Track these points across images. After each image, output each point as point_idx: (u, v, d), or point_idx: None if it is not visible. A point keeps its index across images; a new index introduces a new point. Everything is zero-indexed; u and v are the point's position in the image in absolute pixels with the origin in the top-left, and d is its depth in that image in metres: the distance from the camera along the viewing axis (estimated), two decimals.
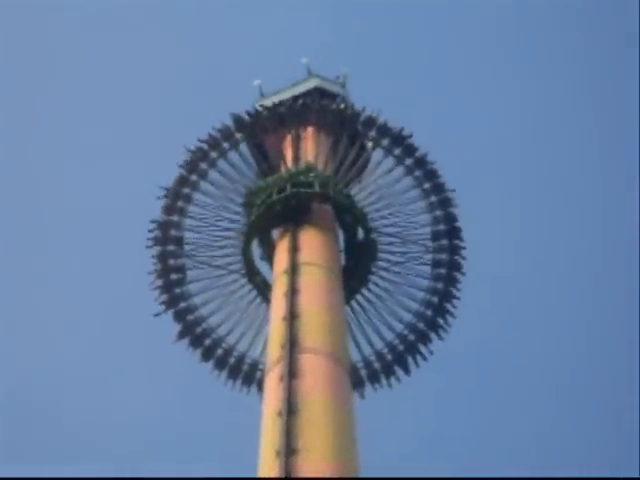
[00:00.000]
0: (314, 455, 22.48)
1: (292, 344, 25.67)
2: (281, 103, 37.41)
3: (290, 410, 23.29)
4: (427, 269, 35.59)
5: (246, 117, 36.26)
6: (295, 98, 38.20)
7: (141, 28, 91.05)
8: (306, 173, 32.96)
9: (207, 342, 36.11)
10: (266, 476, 22.26)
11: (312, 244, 30.75)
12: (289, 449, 22.11)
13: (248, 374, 36.33)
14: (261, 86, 39.95)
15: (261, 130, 36.66)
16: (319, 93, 39.08)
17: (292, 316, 26.90)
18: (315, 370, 25.15)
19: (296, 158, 35.20)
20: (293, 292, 28.03)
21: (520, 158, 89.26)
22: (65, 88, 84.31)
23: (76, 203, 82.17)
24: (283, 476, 21.40)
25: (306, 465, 22.05)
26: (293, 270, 29.16)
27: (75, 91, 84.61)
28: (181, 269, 36.00)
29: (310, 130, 36.82)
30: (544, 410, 77.89)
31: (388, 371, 36.00)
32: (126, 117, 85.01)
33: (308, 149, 35.51)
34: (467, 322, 39.20)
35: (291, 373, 24.61)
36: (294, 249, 30.61)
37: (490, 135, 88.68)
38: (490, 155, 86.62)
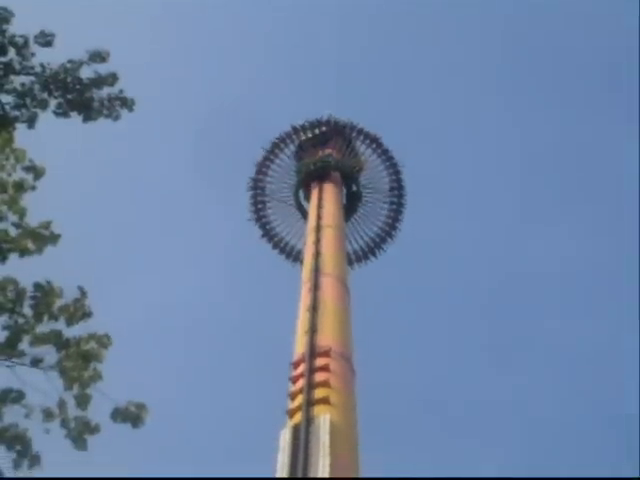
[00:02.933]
0: (327, 333, 36.59)
1: (316, 270, 43.47)
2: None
3: (314, 307, 38.68)
4: (386, 205, 70.40)
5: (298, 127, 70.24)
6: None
7: None
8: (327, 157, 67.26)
9: (275, 239, 71.12)
10: (300, 344, 35.82)
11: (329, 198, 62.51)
12: (313, 329, 36.34)
13: (296, 256, 71.06)
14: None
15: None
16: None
17: (317, 254, 47.72)
18: (328, 286, 42.07)
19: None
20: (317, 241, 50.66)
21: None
22: None
23: None
24: (309, 344, 34.51)
25: (322, 339, 35.66)
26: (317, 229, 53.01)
27: None
28: (263, 202, 70.97)
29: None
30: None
31: (366, 256, 70.93)
32: None
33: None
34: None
35: (315, 287, 41.33)
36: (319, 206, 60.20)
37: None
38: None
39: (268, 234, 71.00)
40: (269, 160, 70.47)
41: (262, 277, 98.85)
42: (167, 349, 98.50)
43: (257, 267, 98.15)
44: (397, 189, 69.89)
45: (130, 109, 19.35)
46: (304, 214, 67.04)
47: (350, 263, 68.63)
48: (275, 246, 71.24)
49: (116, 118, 19.22)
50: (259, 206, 70.62)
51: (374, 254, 70.90)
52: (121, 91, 19.24)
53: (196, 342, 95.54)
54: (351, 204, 67.84)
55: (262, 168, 70.45)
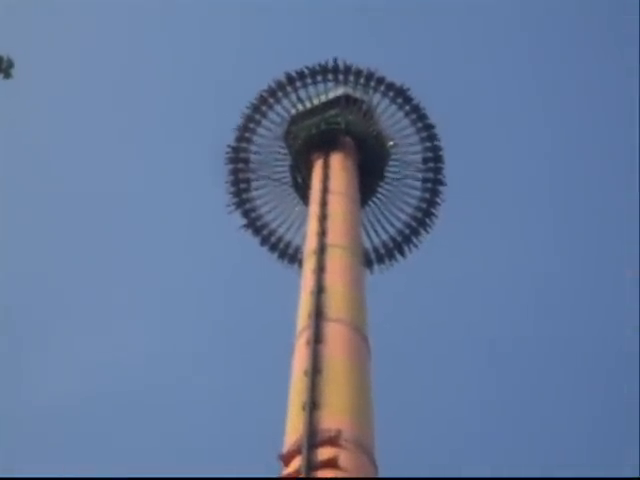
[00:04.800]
0: (334, 409, 25.16)
1: (318, 315, 29.87)
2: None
3: (315, 368, 26.57)
4: (418, 184, 50.76)
5: (294, 74, 50.73)
6: (327, 102, 48.73)
7: None
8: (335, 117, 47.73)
9: (264, 232, 51.65)
10: (293, 427, 24.93)
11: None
12: (313, 404, 25.00)
13: (292, 256, 51.67)
14: None
15: None
16: (346, 99, 49.09)
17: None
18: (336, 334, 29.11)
19: None
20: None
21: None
22: None
23: None
24: (308, 428, 23.93)
25: (327, 418, 24.67)
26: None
27: None
28: (247, 181, 51.41)
29: None
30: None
31: (390, 255, 51.36)
32: None
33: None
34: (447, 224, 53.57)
35: (316, 339, 28.33)
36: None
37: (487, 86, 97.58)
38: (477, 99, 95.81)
39: (254, 224, 51.44)
40: (255, 122, 50.90)
41: (244, 286, 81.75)
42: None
43: (237, 271, 80.00)
44: (433, 160, 50.16)
45: (7, 74, 16.67)
46: (303, 196, 47.71)
47: (369, 265, 49.39)
48: (264, 241, 51.76)
49: None
50: (242, 186, 51.05)
51: (401, 252, 51.28)
52: None
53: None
54: (368, 182, 48.33)
55: (245, 133, 50.88)
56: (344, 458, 23.36)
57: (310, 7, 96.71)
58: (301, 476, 22.72)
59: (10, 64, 17.39)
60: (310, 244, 36.43)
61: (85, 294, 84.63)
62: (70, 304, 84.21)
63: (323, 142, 46.24)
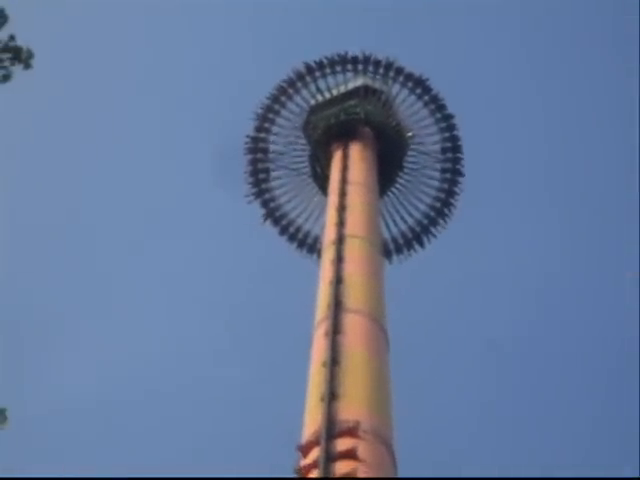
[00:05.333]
0: (353, 400, 24.98)
1: (337, 305, 29.72)
2: None
3: (334, 359, 26.34)
4: (437, 174, 50.75)
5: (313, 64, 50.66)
6: (346, 93, 48.72)
7: None
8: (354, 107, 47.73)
9: (283, 222, 51.79)
10: (312, 418, 24.70)
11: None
12: (332, 394, 24.83)
13: (311, 246, 51.78)
14: None
15: None
16: (365, 89, 49.18)
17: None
18: (356, 325, 28.84)
19: None
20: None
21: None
22: None
23: None
24: (326, 419, 23.73)
25: (345, 409, 24.46)
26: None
27: None
28: (266, 171, 51.52)
29: None
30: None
31: (408, 245, 51.39)
32: None
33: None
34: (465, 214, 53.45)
35: (335, 330, 28.10)
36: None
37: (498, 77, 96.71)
38: (492, 91, 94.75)
39: (273, 214, 51.55)
40: (274, 113, 50.97)
41: (266, 275, 79.85)
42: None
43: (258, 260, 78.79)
44: (452, 150, 50.14)
45: (27, 65, 16.76)
46: (322, 186, 47.74)
47: (388, 255, 49.51)
48: (283, 231, 51.90)
49: (5, 78, 16.62)
50: (260, 176, 51.13)
51: (420, 242, 51.29)
52: (12, 37, 16.73)
53: None
54: (387, 172, 48.24)
55: (264, 123, 50.94)
56: (363, 449, 23.29)
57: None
58: (315, 470, 22.52)
59: (30, 55, 17.45)
60: (329, 234, 36.48)
61: (96, 291, 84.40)
62: (80, 301, 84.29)
63: (342, 132, 46.28)
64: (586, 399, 78.65)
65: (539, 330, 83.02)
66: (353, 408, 24.54)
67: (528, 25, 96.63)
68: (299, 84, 50.17)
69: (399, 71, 50.23)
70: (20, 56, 17.22)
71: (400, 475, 25.51)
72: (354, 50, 50.46)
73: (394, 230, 51.11)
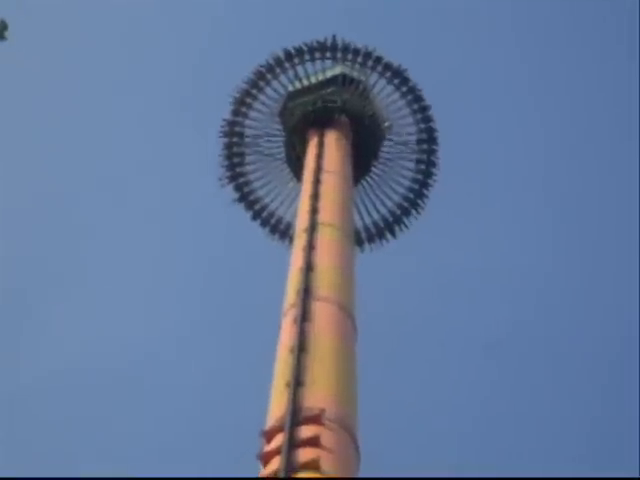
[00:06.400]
0: (319, 388, 24.77)
1: (306, 291, 29.37)
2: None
3: (301, 348, 25.91)
4: (411, 165, 50.95)
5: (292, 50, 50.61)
6: (324, 81, 48.73)
7: None
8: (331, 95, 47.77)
9: (256, 207, 51.82)
10: (277, 404, 24.45)
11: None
12: (298, 381, 24.54)
13: (283, 232, 51.84)
14: None
15: None
16: (343, 77, 49.11)
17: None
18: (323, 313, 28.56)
19: None
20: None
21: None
22: None
23: None
24: (291, 405, 23.42)
25: (311, 396, 24.25)
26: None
27: None
28: (241, 155, 51.49)
29: None
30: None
31: (380, 234, 51.59)
32: None
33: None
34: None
35: (303, 316, 27.75)
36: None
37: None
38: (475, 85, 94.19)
39: (246, 199, 51.57)
40: (251, 97, 50.89)
41: (233, 263, 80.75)
42: None
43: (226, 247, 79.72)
44: (427, 142, 50.33)
45: (1, 36, 16.67)
46: (297, 173, 47.76)
47: (360, 243, 49.71)
48: (256, 216, 51.93)
49: None
50: (235, 160, 51.08)
51: (392, 232, 51.52)
52: None
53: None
54: (362, 161, 48.34)
55: (241, 108, 50.85)
56: (326, 437, 23.11)
57: None
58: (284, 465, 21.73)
59: (4, 26, 17.45)
60: (301, 222, 36.43)
61: (68, 278, 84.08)
62: (52, 287, 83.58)
63: (319, 120, 46.27)
64: (586, 398, 77.99)
65: (538, 329, 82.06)
66: (319, 395, 24.37)
67: (525, 22, 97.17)
68: (277, 70, 50.11)
69: (378, 60, 50.27)
70: None
71: (399, 476, 25.91)
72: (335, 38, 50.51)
73: (367, 219, 51.34)
